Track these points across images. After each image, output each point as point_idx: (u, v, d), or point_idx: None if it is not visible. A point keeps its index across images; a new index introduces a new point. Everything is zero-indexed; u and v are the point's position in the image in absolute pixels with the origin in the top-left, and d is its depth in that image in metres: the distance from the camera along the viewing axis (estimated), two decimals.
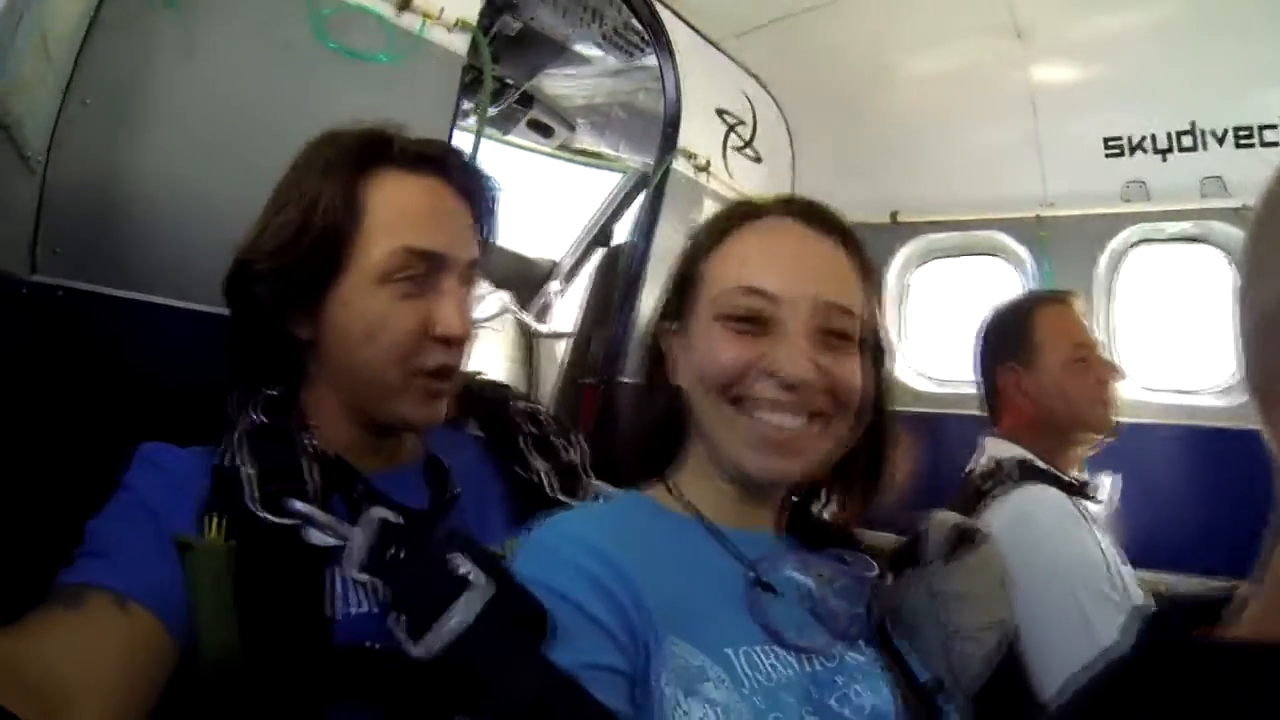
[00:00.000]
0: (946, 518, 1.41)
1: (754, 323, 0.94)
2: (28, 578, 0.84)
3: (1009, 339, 1.95)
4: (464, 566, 0.79)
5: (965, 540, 1.35)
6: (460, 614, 0.76)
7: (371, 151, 1.02)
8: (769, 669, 0.85)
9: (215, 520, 0.89)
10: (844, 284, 0.97)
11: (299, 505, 0.90)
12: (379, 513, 0.89)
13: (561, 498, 1.13)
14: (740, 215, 1.03)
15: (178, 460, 0.95)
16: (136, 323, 1.27)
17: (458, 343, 1.03)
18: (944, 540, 1.33)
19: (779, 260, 0.97)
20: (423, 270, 1.00)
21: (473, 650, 0.75)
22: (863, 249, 1.02)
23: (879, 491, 1.06)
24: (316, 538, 0.90)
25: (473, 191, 1.09)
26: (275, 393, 1.03)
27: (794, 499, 1.05)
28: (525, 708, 0.71)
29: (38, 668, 0.72)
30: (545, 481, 1.14)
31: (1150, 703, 0.54)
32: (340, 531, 0.89)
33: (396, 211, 1.01)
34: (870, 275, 1.01)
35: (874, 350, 1.01)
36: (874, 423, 1.02)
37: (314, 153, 1.04)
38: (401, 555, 0.86)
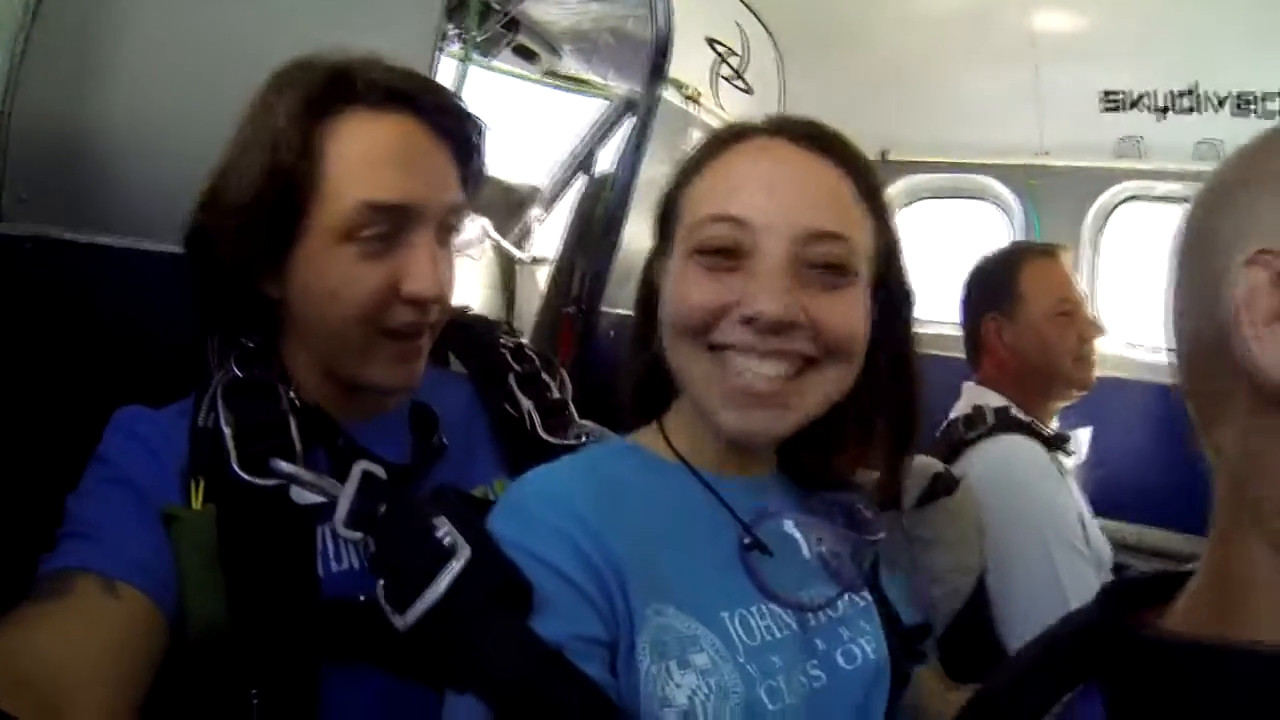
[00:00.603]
0: (927, 464, 1.43)
1: (728, 256, 0.82)
2: (10, 552, 0.81)
3: (993, 289, 1.95)
4: (446, 534, 0.76)
5: (943, 487, 1.36)
6: (443, 585, 0.73)
7: (333, 92, 0.91)
8: (764, 630, 0.82)
9: (197, 484, 0.86)
10: (835, 208, 0.83)
11: (284, 465, 0.87)
12: (365, 466, 0.86)
13: (550, 438, 1.10)
14: (726, 138, 0.90)
15: (154, 426, 0.91)
16: (115, 270, 1.20)
17: (430, 301, 0.94)
18: (921, 486, 1.35)
19: (756, 182, 0.83)
20: (389, 225, 0.91)
21: (455, 623, 0.72)
22: (869, 172, 0.88)
23: (905, 458, 0.97)
24: (303, 496, 0.87)
25: (452, 128, 0.99)
26: (252, 345, 0.98)
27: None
28: (513, 684, 0.69)
29: (31, 662, 0.69)
30: (534, 421, 1.11)
31: (1077, 683, 0.58)
32: (325, 488, 0.86)
33: (358, 160, 0.90)
34: (878, 203, 0.88)
35: (888, 289, 0.90)
36: (893, 375, 0.92)
37: (273, 93, 0.93)
38: (388, 512, 0.83)
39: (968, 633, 1.06)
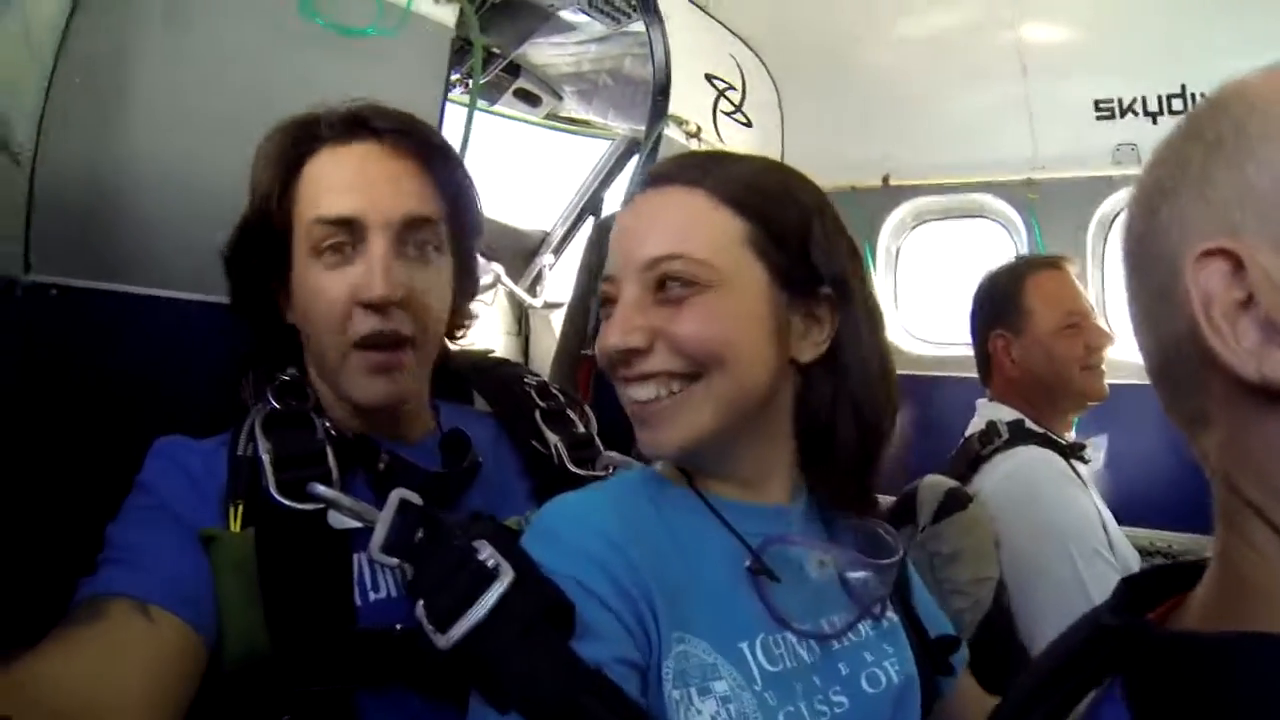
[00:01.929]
0: (939, 482, 1.45)
1: (608, 304, 0.90)
2: (43, 586, 0.83)
3: (999, 305, 1.95)
4: (489, 556, 0.77)
5: (956, 503, 1.38)
6: (485, 606, 0.74)
7: (304, 135, 1.02)
8: (785, 657, 0.83)
9: (236, 509, 0.89)
10: (673, 231, 0.86)
11: (322, 490, 0.90)
12: (402, 494, 0.88)
13: (579, 471, 1.12)
14: (623, 205, 0.97)
15: (194, 454, 0.94)
16: (138, 317, 1.24)
17: (384, 305, 0.97)
18: (936, 503, 1.36)
19: (620, 241, 0.90)
20: (345, 237, 0.98)
21: (498, 645, 0.73)
22: (726, 177, 0.89)
23: (860, 477, 0.94)
24: (340, 521, 0.90)
25: (414, 148, 1.04)
26: (288, 377, 1.03)
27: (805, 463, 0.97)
28: (557, 703, 0.70)
29: (68, 687, 0.70)
30: (561, 455, 1.13)
31: (1096, 684, 0.57)
32: (363, 514, 0.89)
33: (317, 187, 1.00)
34: (745, 200, 0.88)
35: (809, 273, 0.89)
36: (834, 381, 0.91)
37: (260, 148, 1.05)
38: (425, 538, 0.85)
39: (992, 642, 1.07)
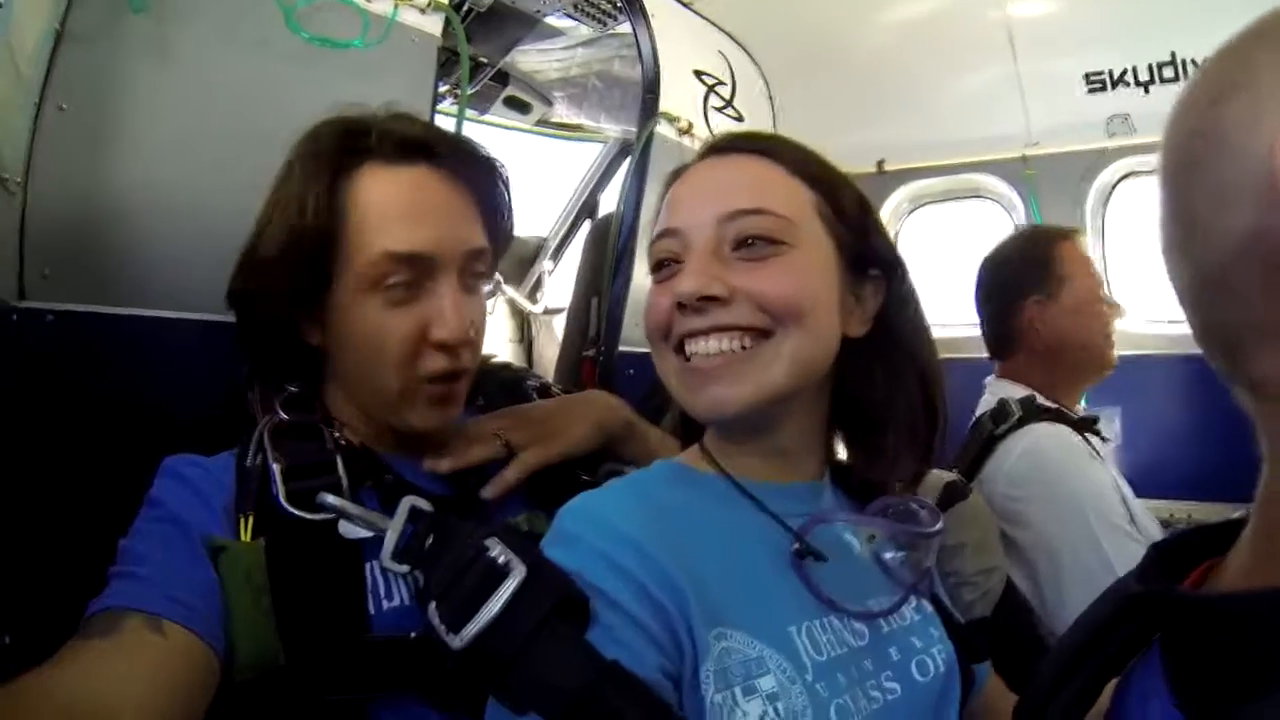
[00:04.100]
0: (938, 476, 1.45)
1: (673, 264, 0.88)
2: (40, 608, 0.83)
3: (1033, 271, 1.90)
4: (500, 553, 0.76)
5: (956, 494, 1.39)
6: (500, 602, 0.73)
7: (351, 146, 0.98)
8: (831, 645, 0.81)
9: (246, 519, 0.89)
10: (753, 188, 0.87)
11: (331, 499, 0.89)
12: (412, 501, 0.88)
13: (581, 474, 1.12)
14: (670, 180, 0.96)
15: (203, 470, 0.94)
16: (133, 339, 1.25)
17: (459, 346, 0.98)
18: (935, 496, 1.36)
19: (685, 197, 0.91)
20: (411, 273, 0.95)
21: (513, 640, 0.71)
22: (796, 151, 0.93)
23: (922, 450, 0.95)
24: (350, 531, 0.89)
25: (469, 175, 1.02)
26: (296, 389, 1.02)
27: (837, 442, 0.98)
28: (575, 697, 0.68)
29: (79, 701, 0.70)
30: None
31: (1134, 647, 0.56)
32: (374, 522, 0.88)
33: (377, 213, 0.95)
34: (815, 174, 0.91)
35: (869, 258, 0.92)
36: (886, 358, 0.93)
37: (297, 155, 1.00)
38: (436, 544, 0.84)
39: (1006, 633, 1.05)
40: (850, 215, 0.90)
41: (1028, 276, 1.91)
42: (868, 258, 0.91)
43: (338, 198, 0.96)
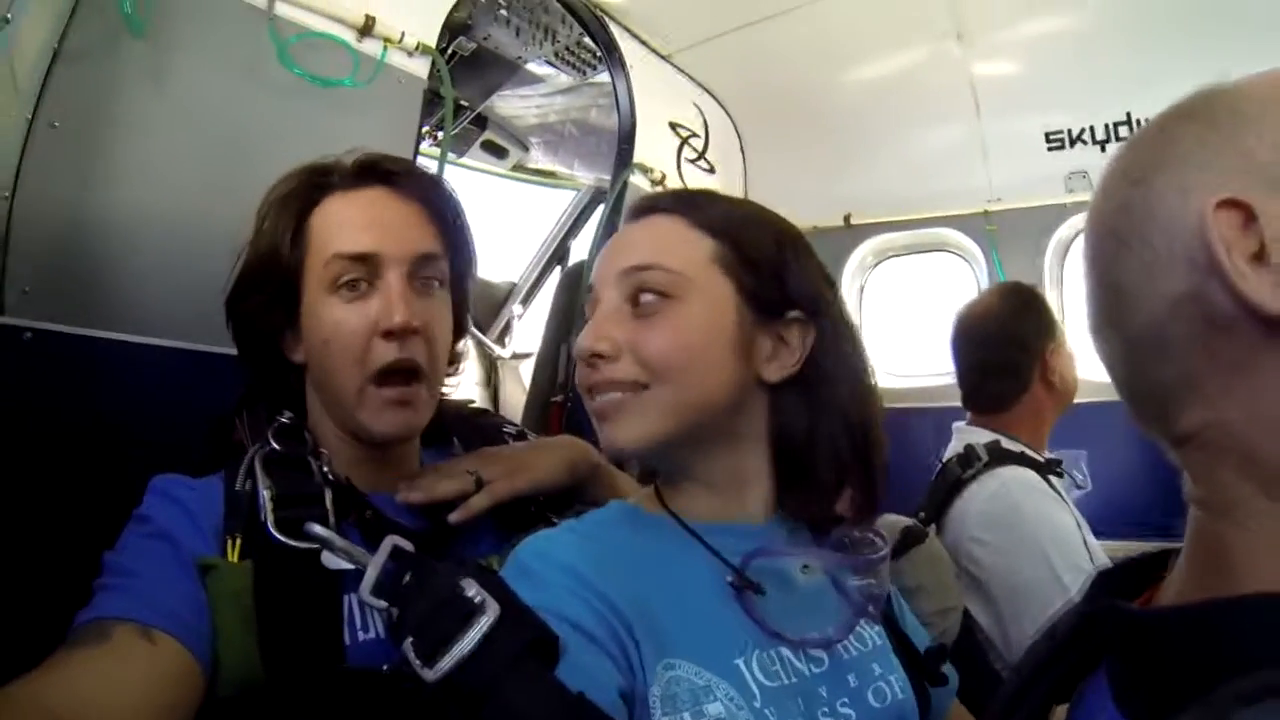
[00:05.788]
0: (895, 520, 1.48)
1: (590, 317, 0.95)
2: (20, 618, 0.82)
3: (1041, 321, 1.94)
4: (475, 593, 0.77)
5: (913, 538, 1.42)
6: (472, 639, 0.74)
7: (316, 183, 1.06)
8: (785, 673, 0.84)
9: (234, 541, 0.91)
10: (649, 246, 0.93)
11: (318, 529, 0.90)
12: (395, 541, 0.88)
13: (552, 516, 1.13)
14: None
15: (191, 490, 0.96)
16: (111, 362, 1.25)
17: (404, 333, 1.01)
18: (894, 540, 1.39)
19: (601, 259, 0.97)
20: (362, 272, 1.02)
21: (486, 676, 0.73)
22: (705, 204, 0.97)
23: (860, 483, 0.96)
24: (333, 562, 0.90)
25: (420, 193, 1.09)
26: (287, 420, 1.05)
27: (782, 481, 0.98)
28: None
29: (67, 707, 0.71)
30: (537, 500, 1.15)
31: (1084, 667, 0.58)
32: (356, 556, 0.89)
33: (332, 226, 1.04)
34: (717, 226, 0.94)
35: (764, 299, 0.93)
36: (813, 396, 0.93)
37: (269, 195, 1.07)
38: (413, 581, 0.84)
39: (964, 668, 1.07)
40: (759, 261, 0.93)
41: (1039, 327, 1.93)
42: (783, 300, 0.93)
43: (302, 226, 1.04)
